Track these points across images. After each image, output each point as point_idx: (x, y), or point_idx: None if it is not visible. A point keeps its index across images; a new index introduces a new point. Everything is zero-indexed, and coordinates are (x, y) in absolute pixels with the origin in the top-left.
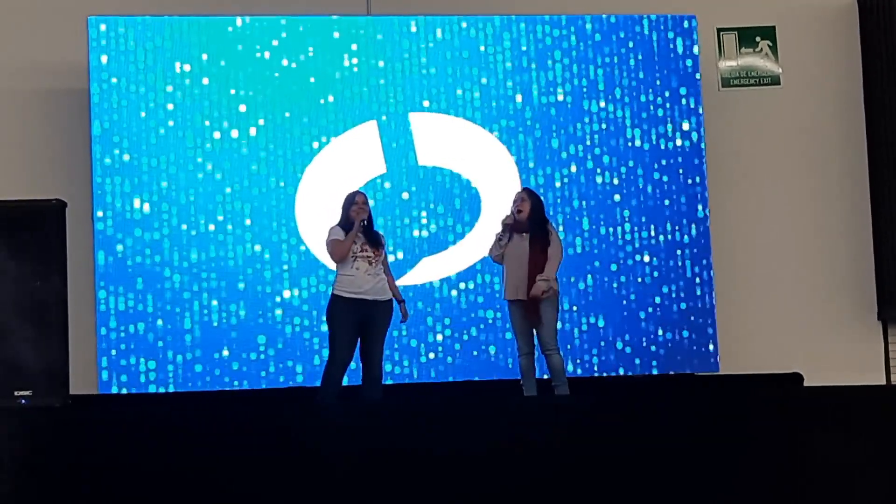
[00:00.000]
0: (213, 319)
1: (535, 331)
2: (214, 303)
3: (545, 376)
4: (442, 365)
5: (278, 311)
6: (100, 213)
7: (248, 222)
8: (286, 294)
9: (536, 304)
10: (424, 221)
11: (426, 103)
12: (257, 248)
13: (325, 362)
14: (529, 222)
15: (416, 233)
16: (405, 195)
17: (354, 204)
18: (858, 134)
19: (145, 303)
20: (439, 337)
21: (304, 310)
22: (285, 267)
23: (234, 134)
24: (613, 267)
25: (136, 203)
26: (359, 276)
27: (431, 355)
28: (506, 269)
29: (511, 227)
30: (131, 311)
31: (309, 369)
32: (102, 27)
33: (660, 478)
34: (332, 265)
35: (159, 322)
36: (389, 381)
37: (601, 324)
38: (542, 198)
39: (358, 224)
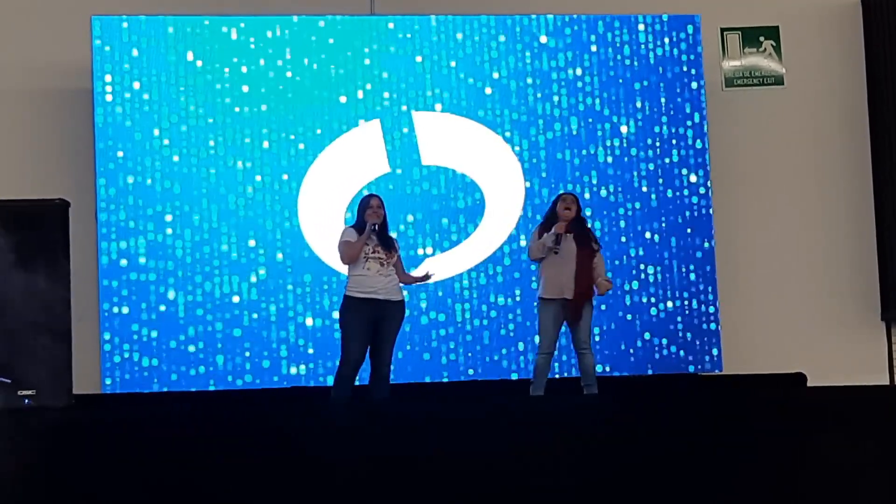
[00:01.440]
0: (216, 319)
1: (570, 329)
2: (218, 302)
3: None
4: (446, 364)
5: (283, 314)
6: (103, 213)
7: (252, 220)
8: (282, 291)
9: (580, 303)
10: (427, 221)
11: (429, 102)
12: (260, 246)
13: (338, 362)
14: (573, 223)
15: (419, 233)
16: (408, 194)
17: (369, 207)
18: (862, 134)
19: (148, 302)
20: (443, 335)
21: (310, 311)
22: (289, 269)
23: (238, 132)
24: (616, 262)
25: (140, 202)
26: (370, 276)
27: (431, 354)
28: (549, 268)
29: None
30: (134, 310)
31: (317, 367)
32: (106, 27)
33: (662, 478)
34: (341, 268)
35: (162, 322)
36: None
37: (604, 323)
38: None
39: (369, 227)
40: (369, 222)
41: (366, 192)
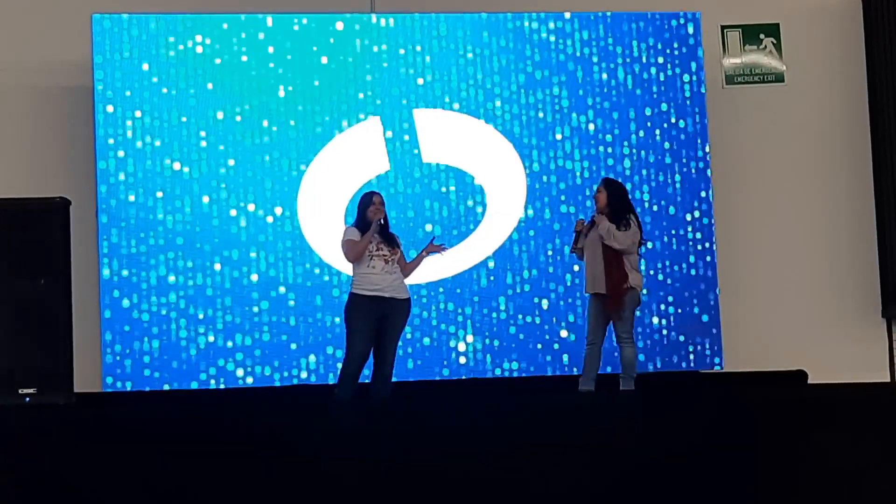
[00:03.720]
0: (216, 318)
1: (612, 322)
2: (219, 301)
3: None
4: (446, 363)
5: (283, 312)
6: (103, 211)
7: (252, 218)
8: (282, 289)
9: (618, 297)
10: (428, 220)
11: (430, 100)
12: (260, 244)
13: (343, 359)
14: (608, 213)
15: (420, 231)
16: (409, 192)
17: (372, 204)
18: (862, 131)
19: (149, 300)
20: (443, 335)
21: (306, 308)
22: (288, 267)
23: (238, 131)
24: None
25: (140, 200)
26: (376, 273)
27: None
28: (586, 263)
29: (588, 225)
30: (135, 308)
31: (318, 365)
32: (106, 25)
33: (663, 475)
34: (340, 266)
35: (163, 320)
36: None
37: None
38: (622, 185)
39: (375, 224)
40: (375, 219)
41: (366, 190)
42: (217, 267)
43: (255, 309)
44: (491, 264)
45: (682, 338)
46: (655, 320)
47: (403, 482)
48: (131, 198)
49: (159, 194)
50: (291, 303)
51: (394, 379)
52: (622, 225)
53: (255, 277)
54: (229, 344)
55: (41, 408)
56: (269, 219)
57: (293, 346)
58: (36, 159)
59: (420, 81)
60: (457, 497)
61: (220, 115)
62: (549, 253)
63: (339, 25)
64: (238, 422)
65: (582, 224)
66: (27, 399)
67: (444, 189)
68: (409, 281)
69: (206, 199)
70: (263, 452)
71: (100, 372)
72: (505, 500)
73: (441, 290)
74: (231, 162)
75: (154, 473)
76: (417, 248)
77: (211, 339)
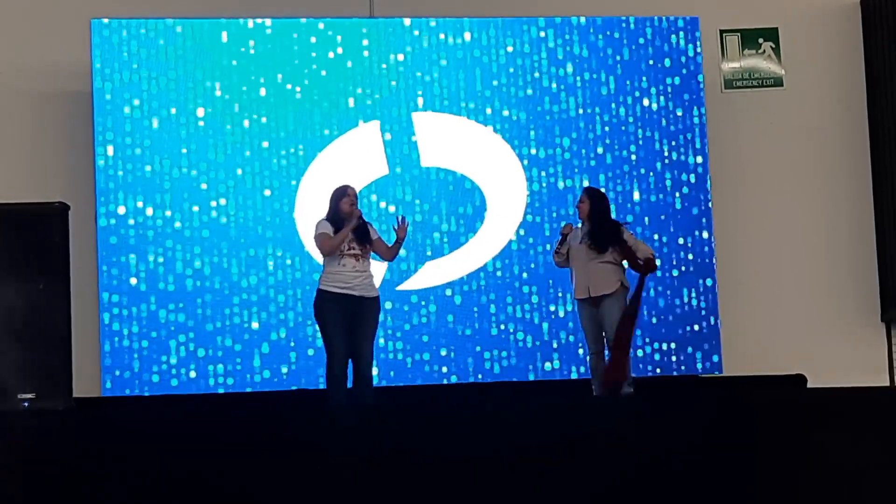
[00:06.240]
0: (215, 322)
1: (602, 326)
2: (217, 306)
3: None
4: (446, 366)
5: (280, 315)
6: (102, 216)
7: (250, 223)
8: (280, 295)
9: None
10: (428, 224)
11: (429, 103)
12: (258, 248)
13: (326, 362)
14: (589, 221)
15: (418, 236)
16: (408, 197)
17: (346, 196)
18: (861, 135)
19: (148, 305)
20: (444, 338)
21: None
22: (287, 272)
23: (237, 134)
24: None
25: (139, 205)
26: (346, 272)
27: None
28: (573, 270)
29: (570, 232)
30: (134, 313)
31: (313, 372)
32: (105, 29)
33: (663, 479)
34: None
35: (162, 324)
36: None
37: None
38: (605, 195)
39: (354, 221)
40: (355, 215)
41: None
42: (216, 271)
43: (254, 313)
44: (491, 268)
45: (681, 337)
46: (655, 325)
47: (403, 483)
48: (130, 202)
49: (158, 199)
50: (291, 306)
51: (394, 383)
52: (603, 235)
53: (254, 281)
54: (229, 348)
55: (40, 413)
56: (268, 222)
57: (292, 353)
58: (35, 164)
59: (419, 84)
60: (457, 497)
61: (218, 119)
62: (549, 260)
63: (339, 29)
64: (237, 425)
65: (570, 228)
66: (25, 404)
67: (443, 193)
68: (407, 286)
69: (204, 204)
70: (265, 456)
71: (99, 376)
72: (505, 501)
73: (441, 293)
74: (230, 166)
75: (154, 477)
76: (417, 248)
77: (210, 343)
